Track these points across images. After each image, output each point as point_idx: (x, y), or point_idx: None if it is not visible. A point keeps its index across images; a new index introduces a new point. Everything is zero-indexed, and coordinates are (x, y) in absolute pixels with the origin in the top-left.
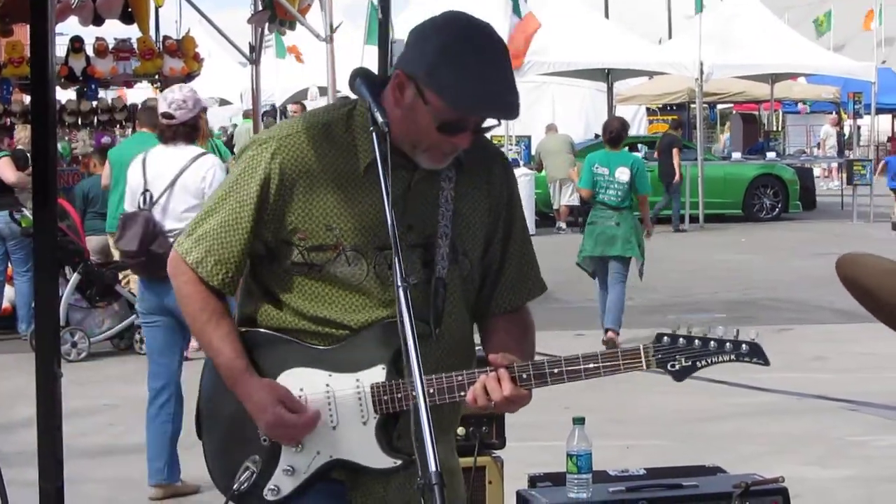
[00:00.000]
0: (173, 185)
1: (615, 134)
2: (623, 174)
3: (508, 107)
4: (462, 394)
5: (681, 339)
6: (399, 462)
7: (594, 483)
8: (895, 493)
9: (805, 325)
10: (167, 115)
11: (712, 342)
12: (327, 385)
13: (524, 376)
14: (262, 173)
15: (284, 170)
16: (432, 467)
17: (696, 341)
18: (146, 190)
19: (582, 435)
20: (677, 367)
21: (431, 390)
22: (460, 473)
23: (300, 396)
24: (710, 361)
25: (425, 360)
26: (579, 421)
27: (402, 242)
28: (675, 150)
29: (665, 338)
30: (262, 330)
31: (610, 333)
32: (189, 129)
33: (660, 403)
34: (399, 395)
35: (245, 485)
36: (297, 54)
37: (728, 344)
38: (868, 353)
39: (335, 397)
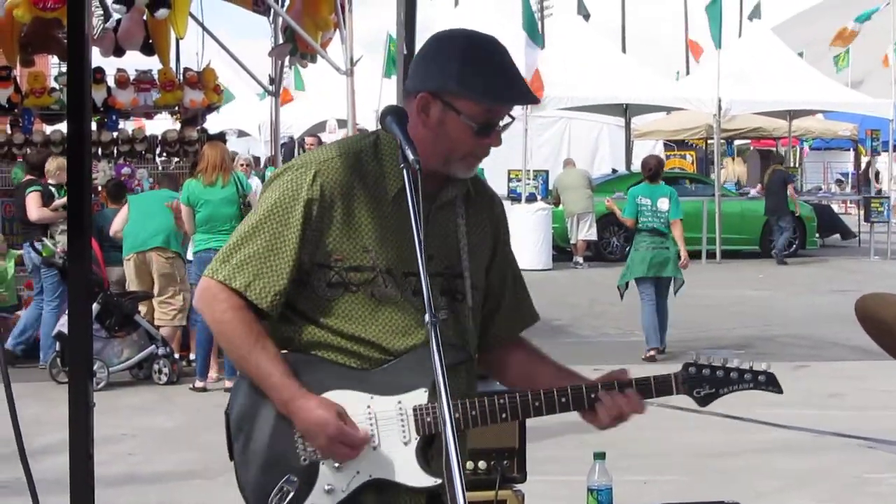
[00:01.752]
0: None
1: (654, 170)
2: (664, 203)
3: (530, 94)
4: (504, 415)
5: (705, 370)
6: (439, 482)
7: None
8: None
9: (822, 361)
10: None
11: (733, 372)
12: (369, 407)
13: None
14: (305, 196)
15: (325, 192)
16: (460, 502)
17: (719, 371)
18: None
19: (602, 470)
20: (702, 393)
21: (475, 412)
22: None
23: None
24: (731, 389)
25: (461, 385)
26: (600, 456)
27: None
28: (790, 186)
29: (691, 368)
30: (298, 353)
31: (652, 352)
32: None
33: (676, 439)
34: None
35: None
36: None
37: (747, 374)
38: (885, 391)
39: (377, 419)
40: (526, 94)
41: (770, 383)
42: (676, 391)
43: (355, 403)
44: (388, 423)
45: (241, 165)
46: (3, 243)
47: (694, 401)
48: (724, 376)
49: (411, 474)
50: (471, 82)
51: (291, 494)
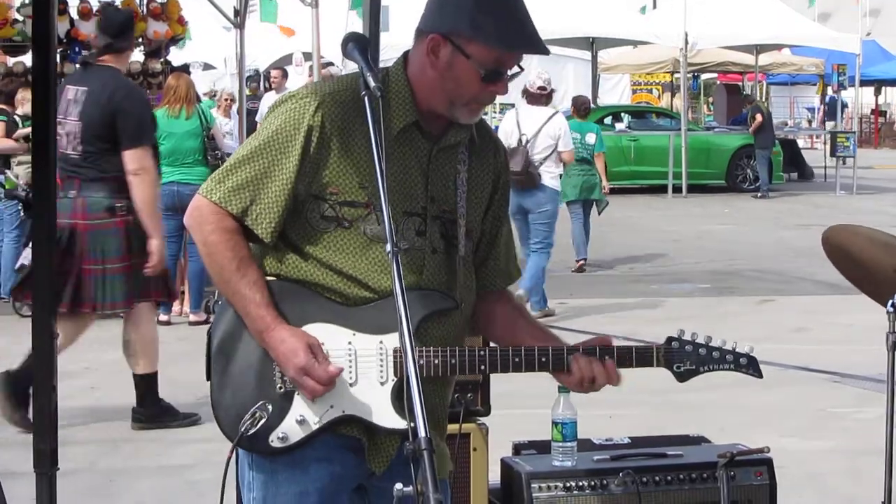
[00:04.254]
0: (538, 133)
1: (585, 109)
2: (591, 138)
3: (541, 43)
4: (482, 367)
5: (688, 346)
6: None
7: (579, 451)
8: (876, 465)
9: (787, 296)
10: (542, 87)
11: (715, 352)
12: (349, 343)
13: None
14: (306, 125)
15: (325, 124)
16: (421, 433)
17: (701, 349)
18: (522, 134)
19: (567, 403)
20: (682, 369)
21: (454, 361)
22: (447, 456)
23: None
24: (711, 368)
25: (448, 332)
26: (564, 389)
27: (426, 212)
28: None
29: (674, 342)
30: (286, 281)
31: (581, 262)
32: (548, 98)
33: (642, 373)
34: (421, 362)
35: (252, 429)
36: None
37: (729, 355)
38: (850, 325)
39: (357, 356)
40: (537, 42)
41: (751, 366)
42: (657, 363)
43: (336, 338)
44: (367, 361)
45: (226, 100)
46: None
47: (673, 375)
48: (707, 354)
49: (384, 415)
50: (483, 27)
51: (263, 420)
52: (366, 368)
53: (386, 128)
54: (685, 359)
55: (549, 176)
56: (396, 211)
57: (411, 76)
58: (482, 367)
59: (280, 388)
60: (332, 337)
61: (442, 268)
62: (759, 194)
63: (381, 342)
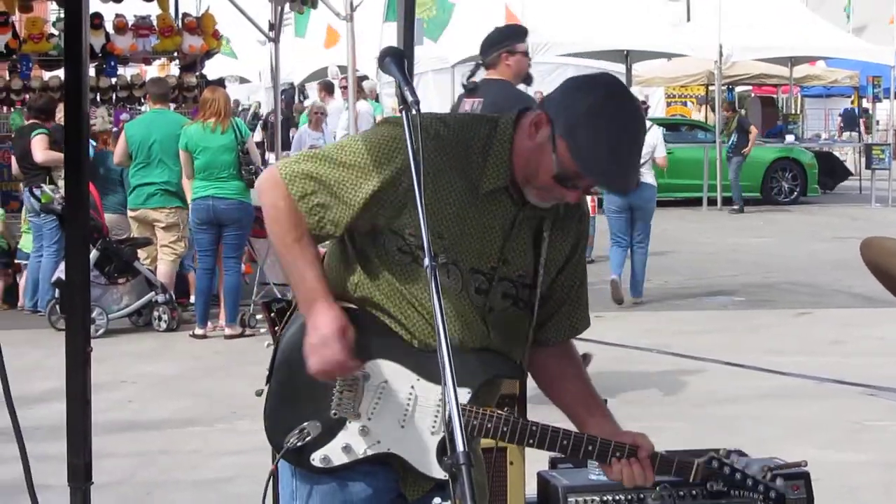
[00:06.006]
0: None
1: None
2: None
3: (627, 186)
4: (531, 441)
5: (726, 468)
6: (447, 477)
7: None
8: None
9: (823, 308)
10: (642, 102)
11: (749, 479)
12: (412, 388)
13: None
14: (401, 161)
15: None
16: (460, 447)
17: (738, 474)
18: None
19: None
20: (714, 488)
21: (506, 429)
22: (483, 464)
23: (383, 387)
24: (740, 494)
25: (497, 393)
26: None
27: (494, 273)
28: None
29: (715, 461)
30: (365, 311)
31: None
32: (645, 111)
33: (677, 386)
34: (475, 423)
35: (298, 443)
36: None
37: (761, 485)
38: (886, 338)
39: (416, 402)
40: (621, 185)
41: (778, 501)
42: (693, 478)
43: (401, 380)
44: (424, 409)
45: (315, 114)
46: None
47: (704, 491)
48: (741, 480)
49: (426, 462)
50: (578, 139)
51: (310, 437)
52: (422, 415)
53: (476, 181)
54: (720, 479)
55: (650, 175)
56: (464, 267)
57: (516, 141)
58: (531, 442)
59: (335, 413)
60: (397, 377)
61: (509, 331)
62: (736, 208)
63: (441, 394)
